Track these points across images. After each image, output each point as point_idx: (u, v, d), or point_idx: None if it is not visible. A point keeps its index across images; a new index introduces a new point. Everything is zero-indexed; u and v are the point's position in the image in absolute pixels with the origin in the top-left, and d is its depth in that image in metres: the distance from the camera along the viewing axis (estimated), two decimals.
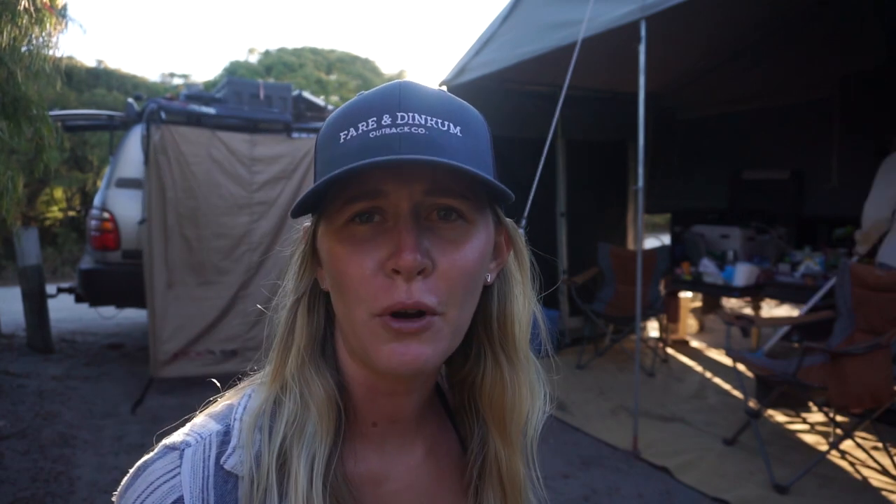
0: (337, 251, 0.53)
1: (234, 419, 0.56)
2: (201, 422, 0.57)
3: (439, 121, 0.52)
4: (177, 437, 0.55)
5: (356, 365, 0.58)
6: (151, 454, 0.54)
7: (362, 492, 0.58)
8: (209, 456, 0.53)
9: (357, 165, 0.48)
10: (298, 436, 0.54)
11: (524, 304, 0.62)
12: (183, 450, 0.53)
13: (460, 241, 0.53)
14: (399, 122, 0.51)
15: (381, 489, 0.59)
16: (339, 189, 0.52)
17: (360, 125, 0.52)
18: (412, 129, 0.51)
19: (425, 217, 0.52)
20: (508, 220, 0.62)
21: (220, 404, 0.60)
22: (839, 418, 3.36)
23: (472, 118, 0.56)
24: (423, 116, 0.52)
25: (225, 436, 0.55)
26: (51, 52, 2.98)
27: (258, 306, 2.42)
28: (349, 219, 0.52)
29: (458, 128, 0.53)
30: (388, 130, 0.51)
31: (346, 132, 0.52)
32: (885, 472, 3.06)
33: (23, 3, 2.67)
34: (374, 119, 0.52)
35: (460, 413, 0.66)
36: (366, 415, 0.59)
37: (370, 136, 0.51)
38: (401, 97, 0.53)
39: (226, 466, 0.53)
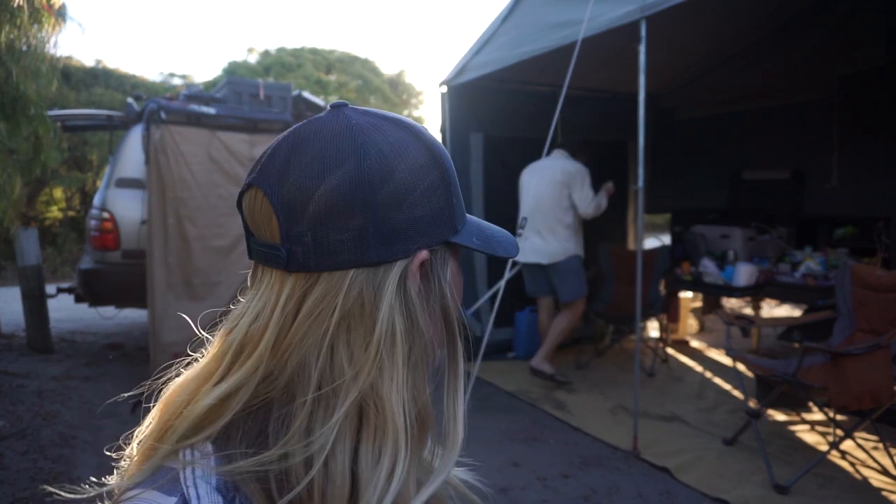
0: (459, 277, 0.58)
1: None
2: None
3: None
4: None
5: None
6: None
7: None
8: None
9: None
10: None
11: None
12: None
13: None
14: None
15: None
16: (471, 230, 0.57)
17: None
18: None
19: None
20: None
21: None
22: (839, 418, 3.36)
23: None
24: None
25: None
26: (49, 52, 2.99)
27: None
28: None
29: None
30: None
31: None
32: (885, 472, 3.06)
33: (18, 1, 2.66)
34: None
35: None
36: None
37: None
38: None
39: None
